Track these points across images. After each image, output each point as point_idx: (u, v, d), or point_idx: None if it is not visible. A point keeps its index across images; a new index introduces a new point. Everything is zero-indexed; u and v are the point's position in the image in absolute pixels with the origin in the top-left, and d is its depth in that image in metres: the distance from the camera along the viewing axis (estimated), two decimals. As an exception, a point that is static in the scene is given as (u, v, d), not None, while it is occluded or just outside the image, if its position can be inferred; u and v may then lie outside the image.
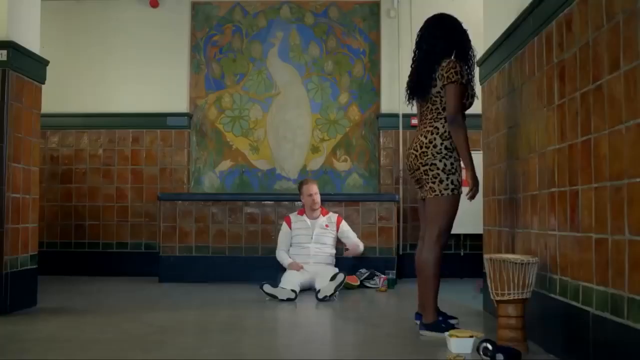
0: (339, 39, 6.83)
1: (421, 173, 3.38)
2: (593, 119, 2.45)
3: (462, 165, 3.35)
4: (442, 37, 3.45)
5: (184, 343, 3.23)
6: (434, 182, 3.32)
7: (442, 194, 3.30)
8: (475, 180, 3.32)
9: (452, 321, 3.47)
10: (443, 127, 3.35)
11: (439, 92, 3.37)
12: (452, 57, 3.41)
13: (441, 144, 3.33)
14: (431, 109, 3.41)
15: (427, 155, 3.34)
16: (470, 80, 3.44)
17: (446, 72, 3.32)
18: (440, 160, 3.32)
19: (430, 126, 3.38)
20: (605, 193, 2.34)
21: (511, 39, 3.55)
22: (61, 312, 4.17)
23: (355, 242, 5.54)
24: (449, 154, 3.33)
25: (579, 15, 2.61)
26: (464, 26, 3.56)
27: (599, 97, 2.40)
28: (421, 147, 3.36)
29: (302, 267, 5.22)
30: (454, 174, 3.32)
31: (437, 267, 3.32)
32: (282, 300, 4.63)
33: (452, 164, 3.33)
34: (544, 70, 3.03)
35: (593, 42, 2.46)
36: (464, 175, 3.38)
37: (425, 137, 3.36)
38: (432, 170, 3.33)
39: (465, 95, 3.39)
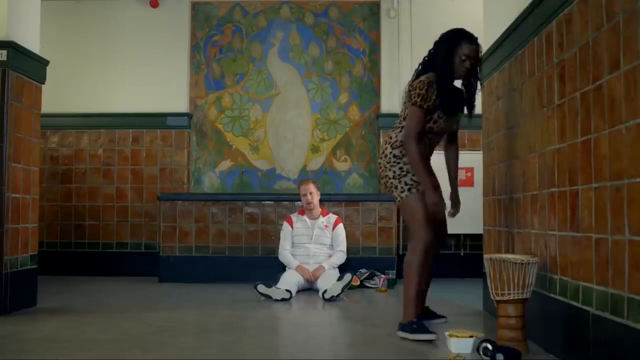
0: (339, 39, 6.83)
1: (383, 185, 3.49)
2: (593, 119, 2.45)
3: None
4: (428, 55, 3.48)
5: (184, 343, 3.23)
6: (392, 192, 3.42)
7: (402, 198, 3.35)
8: (433, 200, 3.26)
9: (438, 320, 3.53)
10: (396, 136, 3.42)
11: (404, 104, 3.44)
12: (429, 74, 3.33)
13: (390, 152, 3.40)
14: (400, 120, 3.48)
15: (381, 167, 3.46)
16: (444, 103, 3.30)
17: (413, 91, 3.32)
18: (389, 170, 3.39)
19: (387, 136, 3.49)
20: (605, 193, 2.34)
21: (511, 39, 3.55)
22: (61, 312, 4.17)
23: (330, 261, 5.31)
24: (397, 161, 3.37)
25: (579, 15, 2.61)
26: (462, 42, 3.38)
27: (599, 97, 2.40)
28: (379, 159, 3.49)
29: (312, 276, 5.18)
30: (405, 176, 3.35)
31: (419, 268, 3.27)
32: (277, 300, 4.63)
33: (400, 168, 3.36)
34: (544, 70, 3.03)
35: (593, 42, 2.46)
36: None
37: (381, 148, 3.48)
38: (387, 182, 3.42)
39: (430, 119, 3.33)
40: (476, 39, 3.36)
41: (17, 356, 2.93)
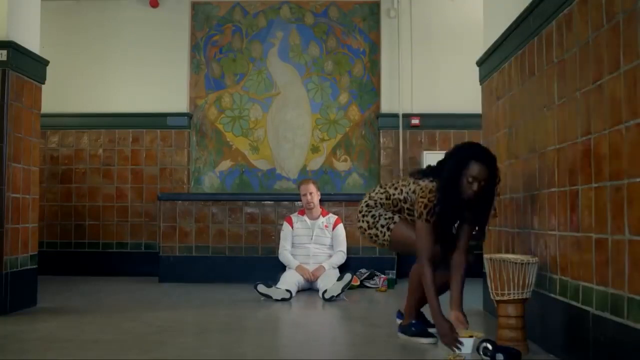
0: (339, 38, 6.83)
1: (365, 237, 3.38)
2: (593, 119, 2.45)
3: (393, 217, 3.25)
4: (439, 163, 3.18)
5: (184, 343, 3.23)
6: (374, 241, 3.32)
7: (388, 240, 3.26)
8: (443, 332, 2.90)
9: (431, 330, 3.26)
10: (376, 194, 3.31)
11: (411, 192, 3.17)
12: (437, 184, 3.03)
13: (365, 202, 3.33)
14: (389, 185, 3.31)
15: (357, 217, 3.36)
16: (439, 222, 3.04)
17: (421, 199, 3.04)
18: (363, 221, 3.31)
19: (371, 189, 3.43)
20: (605, 193, 2.34)
21: (511, 39, 3.55)
22: (61, 312, 4.17)
23: (330, 261, 5.32)
24: (369, 210, 3.29)
25: (579, 15, 2.61)
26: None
27: (599, 97, 2.40)
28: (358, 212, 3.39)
29: (312, 276, 5.18)
30: (377, 221, 3.26)
31: (417, 280, 3.15)
32: (277, 300, 4.63)
33: (372, 216, 3.27)
34: (544, 70, 3.03)
35: (593, 42, 2.46)
36: None
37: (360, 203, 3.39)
38: (364, 233, 3.33)
39: (438, 225, 3.05)
40: (488, 158, 2.98)
41: (17, 356, 2.93)
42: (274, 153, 6.81)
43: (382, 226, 3.25)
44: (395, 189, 3.27)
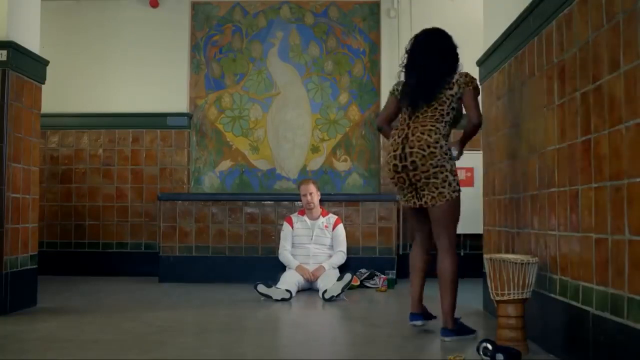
0: (339, 38, 6.83)
1: (429, 175, 3.20)
2: (593, 119, 2.45)
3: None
4: (449, 51, 3.49)
5: (184, 343, 3.23)
6: (443, 187, 3.21)
7: (452, 197, 3.23)
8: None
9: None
10: (444, 129, 3.27)
11: (452, 96, 3.31)
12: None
13: (445, 144, 3.26)
14: (434, 110, 3.29)
15: (437, 156, 3.20)
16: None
17: (470, 79, 3.36)
18: (447, 162, 3.24)
19: (431, 126, 3.24)
20: (605, 193, 2.34)
21: (511, 39, 3.55)
22: (61, 312, 4.17)
23: (330, 261, 5.33)
24: (450, 156, 3.28)
25: (579, 15, 2.61)
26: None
27: (599, 97, 2.40)
28: (429, 147, 3.20)
29: (312, 276, 5.19)
30: (456, 175, 3.29)
31: (456, 273, 3.28)
32: (277, 300, 4.63)
33: (452, 165, 3.28)
34: (544, 70, 3.03)
35: (593, 42, 2.46)
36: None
37: (430, 136, 3.21)
38: (442, 173, 3.21)
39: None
40: None
41: (17, 356, 2.93)
42: (274, 153, 6.81)
43: (457, 184, 3.29)
44: (443, 111, 3.32)
